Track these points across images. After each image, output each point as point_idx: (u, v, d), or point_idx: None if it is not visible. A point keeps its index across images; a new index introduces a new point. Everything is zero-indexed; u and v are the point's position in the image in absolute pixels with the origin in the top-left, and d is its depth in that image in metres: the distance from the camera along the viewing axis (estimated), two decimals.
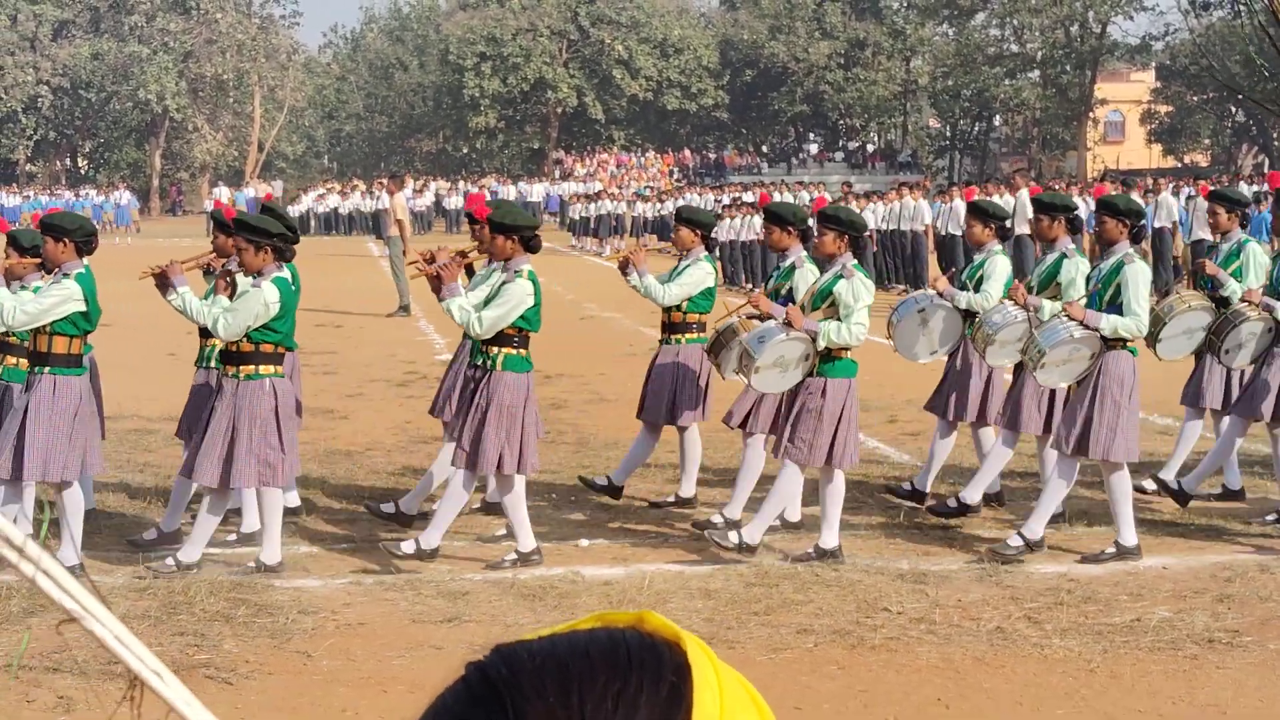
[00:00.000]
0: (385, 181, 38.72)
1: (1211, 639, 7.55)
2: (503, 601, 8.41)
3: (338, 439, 13.17)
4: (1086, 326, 9.07)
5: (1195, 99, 69.58)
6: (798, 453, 9.05)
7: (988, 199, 13.41)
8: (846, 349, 9.08)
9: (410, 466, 12.24)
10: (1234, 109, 67.76)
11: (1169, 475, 10.65)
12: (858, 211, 9.89)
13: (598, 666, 0.96)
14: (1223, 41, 62.42)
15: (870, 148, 79.11)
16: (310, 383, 16.62)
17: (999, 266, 10.38)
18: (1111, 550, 9.15)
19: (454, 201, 60.11)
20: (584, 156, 74.34)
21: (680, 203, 46.84)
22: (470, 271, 10.19)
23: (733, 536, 9.07)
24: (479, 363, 9.13)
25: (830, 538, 9.15)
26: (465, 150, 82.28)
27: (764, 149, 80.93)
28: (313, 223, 59.14)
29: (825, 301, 9.13)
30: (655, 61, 76.96)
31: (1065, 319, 9.14)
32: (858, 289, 9.02)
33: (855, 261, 9.22)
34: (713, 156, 76.60)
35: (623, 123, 79.26)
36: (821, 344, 9.00)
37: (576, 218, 48.74)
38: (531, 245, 9.30)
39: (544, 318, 9.51)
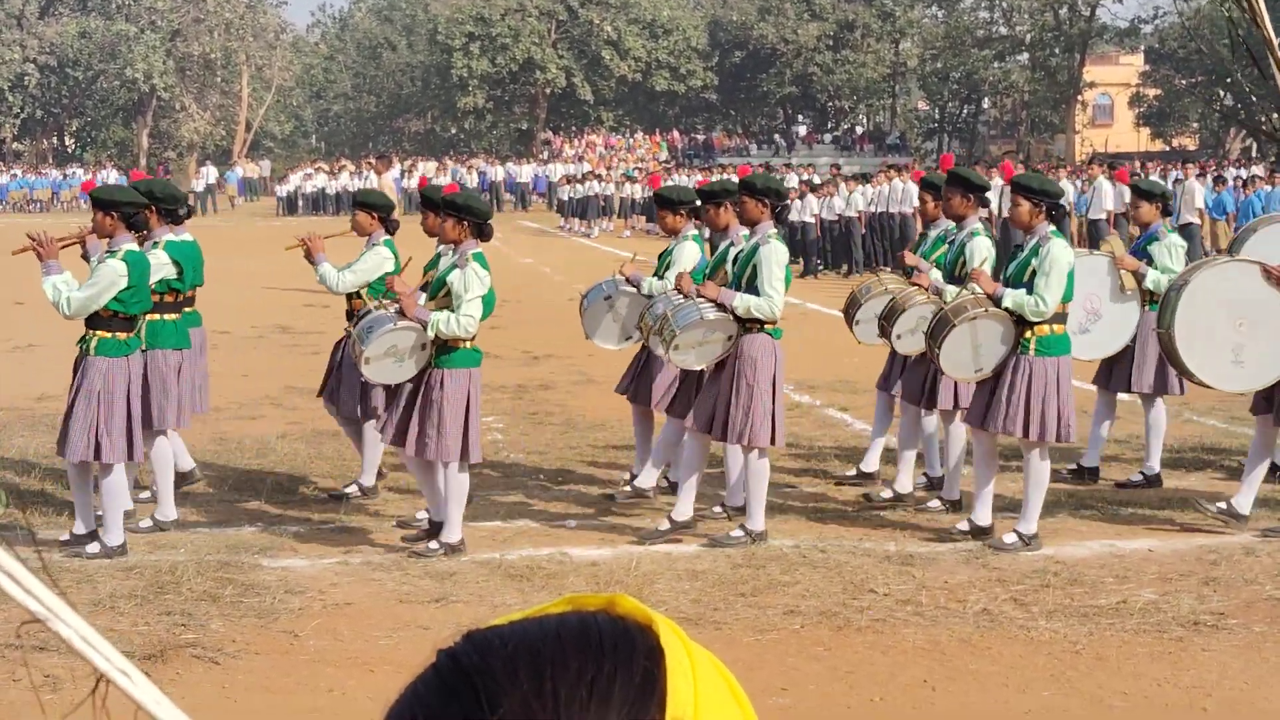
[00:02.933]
0: (373, 161, 38.63)
1: (1197, 621, 7.57)
2: (490, 582, 8.42)
3: (324, 419, 13.13)
4: (720, 307, 9.00)
5: (1184, 83, 69.61)
6: (427, 449, 8.86)
7: (672, 185, 13.02)
8: (463, 340, 8.90)
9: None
10: (1222, 92, 67.77)
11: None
12: (480, 196, 9.62)
13: (570, 652, 0.96)
14: (1211, 25, 62.42)
15: (859, 130, 79.12)
16: (297, 363, 16.63)
17: (686, 252, 10.19)
18: (739, 534, 9.16)
19: (442, 181, 59.97)
20: (572, 137, 74.27)
21: (669, 184, 46.80)
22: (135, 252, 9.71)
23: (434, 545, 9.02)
24: (80, 346, 8.96)
25: (454, 532, 8.99)
26: (453, 130, 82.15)
27: (753, 130, 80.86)
28: (300, 202, 59.04)
29: (441, 290, 8.95)
30: (644, 42, 76.83)
31: (699, 300, 9.05)
32: (469, 279, 8.78)
33: (478, 251, 8.97)
34: (701, 138, 76.54)
35: (611, 104, 79.15)
36: (430, 334, 8.80)
37: (564, 199, 48.69)
38: (134, 224, 9.03)
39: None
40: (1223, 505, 9.45)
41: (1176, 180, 30.44)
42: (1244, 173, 33.46)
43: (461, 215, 8.96)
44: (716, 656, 1.05)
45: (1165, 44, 69.93)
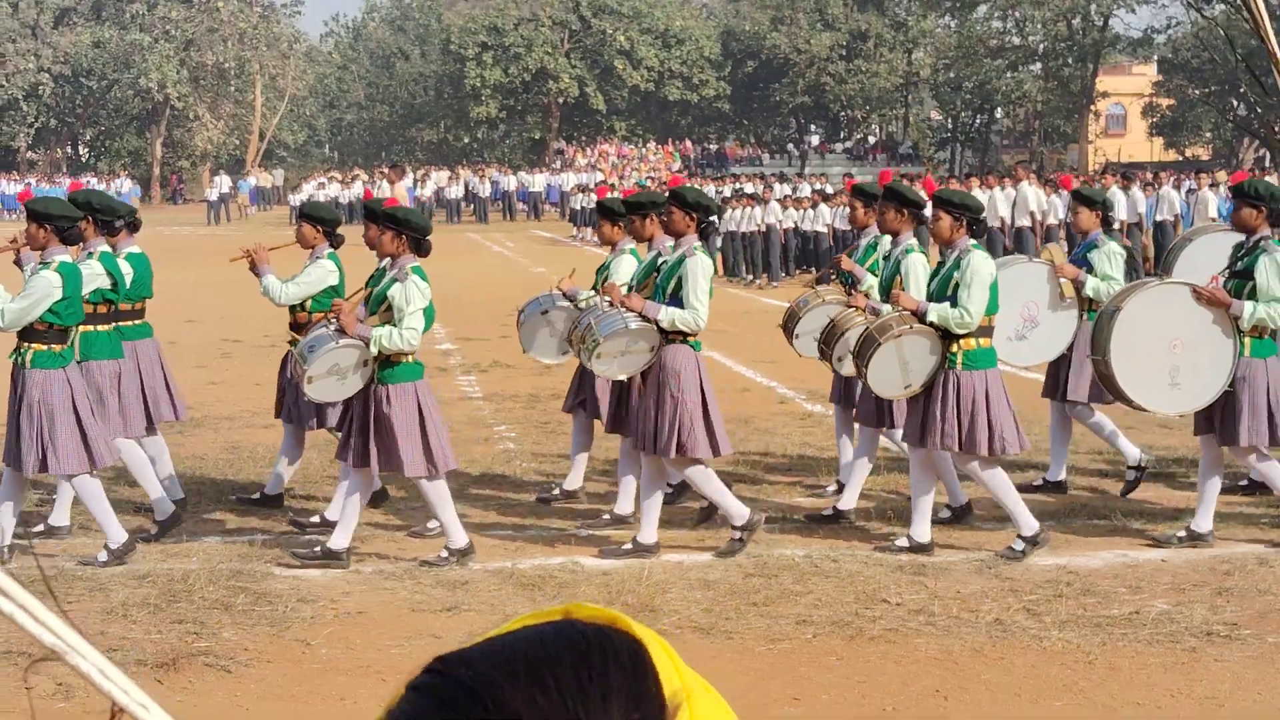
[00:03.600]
0: (386, 171, 38.68)
1: (1210, 632, 7.55)
2: (502, 591, 8.42)
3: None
4: (644, 318, 8.95)
5: (1197, 92, 69.55)
6: (387, 462, 8.82)
7: (614, 197, 12.66)
8: (406, 354, 8.83)
9: None
10: (1235, 102, 67.71)
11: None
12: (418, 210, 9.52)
13: (559, 649, 0.97)
14: (1224, 35, 62.33)
15: (871, 140, 79.08)
16: None
17: (624, 266, 10.15)
18: (737, 537, 9.11)
19: (455, 191, 60.08)
20: (585, 147, 74.32)
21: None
22: (19, 262, 9.52)
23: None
24: (13, 359, 8.90)
25: (457, 537, 8.96)
26: (466, 140, 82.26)
27: (765, 140, 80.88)
28: None
29: (381, 305, 8.89)
30: (657, 52, 76.90)
31: (624, 309, 9.02)
32: (410, 293, 8.74)
33: (416, 265, 8.92)
34: (714, 147, 76.56)
35: (624, 113, 79.22)
36: (373, 350, 8.76)
37: (577, 208, 48.71)
38: (67, 237, 8.99)
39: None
40: (1182, 534, 9.35)
41: (1190, 190, 30.35)
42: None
43: (400, 229, 8.92)
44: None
45: (1178, 54, 69.87)
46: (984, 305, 8.94)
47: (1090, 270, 10.50)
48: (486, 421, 13.92)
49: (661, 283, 9.09)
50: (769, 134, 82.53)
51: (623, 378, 9.33)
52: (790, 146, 76.93)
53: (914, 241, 9.78)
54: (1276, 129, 62.07)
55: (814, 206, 32.23)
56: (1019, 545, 9.05)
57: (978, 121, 79.21)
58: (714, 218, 9.43)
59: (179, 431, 13.01)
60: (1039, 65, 71.78)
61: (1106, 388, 9.60)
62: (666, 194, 9.60)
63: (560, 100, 77.73)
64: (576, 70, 77.01)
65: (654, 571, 8.74)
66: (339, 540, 8.94)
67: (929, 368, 9.06)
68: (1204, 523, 9.32)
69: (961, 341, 8.98)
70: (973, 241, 9.12)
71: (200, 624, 7.75)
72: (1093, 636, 7.48)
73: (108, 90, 77.78)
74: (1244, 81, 51.98)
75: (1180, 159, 70.08)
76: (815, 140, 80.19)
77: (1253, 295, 9.09)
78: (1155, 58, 73.38)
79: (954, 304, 8.93)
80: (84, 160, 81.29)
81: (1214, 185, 29.58)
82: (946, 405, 8.96)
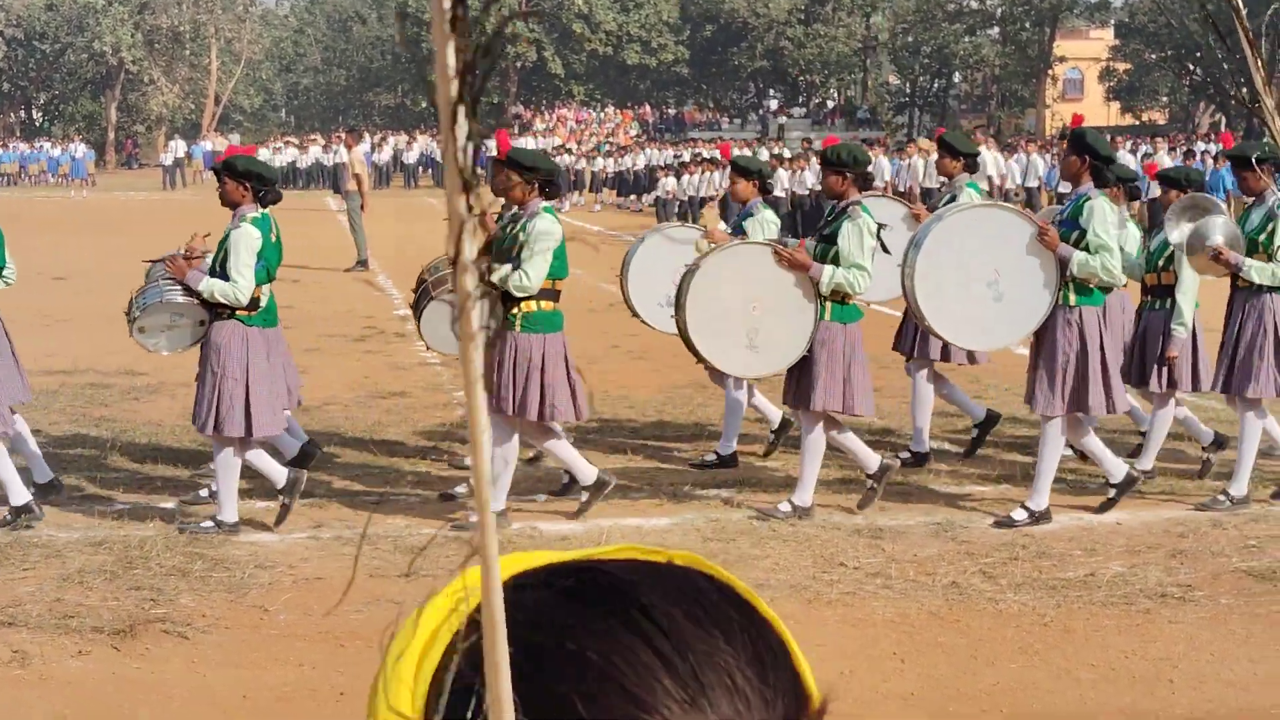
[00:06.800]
0: (343, 136, 38.45)
1: (1164, 594, 7.62)
2: (459, 556, 8.37)
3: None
4: (189, 291, 8.75)
5: (1154, 57, 69.77)
6: None
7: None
8: None
9: (367, 421, 12.22)
10: (1192, 66, 67.94)
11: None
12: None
13: (695, 581, 0.86)
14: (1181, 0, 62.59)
15: (830, 104, 79.07)
16: None
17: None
18: (209, 524, 8.91)
19: (412, 156, 59.82)
20: (543, 111, 74.09)
21: (640, 159, 46.71)
22: None
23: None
24: None
25: (19, 495, 8.91)
26: (424, 104, 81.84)
27: (724, 105, 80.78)
28: None
29: None
30: (615, 16, 76.67)
31: (167, 282, 8.81)
32: None
33: None
34: (673, 112, 76.43)
35: (582, 78, 79.00)
36: None
37: None
38: None
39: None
40: (786, 507, 9.25)
41: (1146, 155, 30.47)
42: (1213, 147, 33.57)
43: None
44: None
45: (1135, 18, 70.05)
46: (545, 268, 8.85)
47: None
48: (445, 388, 13.90)
49: (216, 253, 8.88)
50: (728, 99, 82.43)
51: (167, 353, 9.17)
52: (760, 112, 76.76)
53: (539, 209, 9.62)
54: (1234, 94, 62.29)
55: (772, 171, 32.23)
56: (583, 496, 9.20)
57: (936, 86, 79.28)
58: (273, 186, 8.97)
59: (135, 398, 12.96)
60: (997, 29, 71.89)
61: (687, 348, 9.40)
62: None
63: (518, 64, 77.44)
64: (534, 34, 76.73)
65: (612, 536, 8.76)
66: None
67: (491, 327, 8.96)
68: (804, 496, 9.25)
69: (521, 304, 8.90)
70: (545, 204, 9.01)
71: (157, 590, 7.72)
72: (1048, 599, 7.54)
73: (61, 54, 77.04)
74: (1211, 40, 52.19)
75: (1137, 123, 70.30)
76: (774, 105, 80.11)
77: (836, 260, 9.00)
78: (1112, 22, 73.56)
79: (516, 266, 8.84)
80: (37, 124, 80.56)
81: (1171, 149, 29.71)
82: (504, 368, 8.88)
